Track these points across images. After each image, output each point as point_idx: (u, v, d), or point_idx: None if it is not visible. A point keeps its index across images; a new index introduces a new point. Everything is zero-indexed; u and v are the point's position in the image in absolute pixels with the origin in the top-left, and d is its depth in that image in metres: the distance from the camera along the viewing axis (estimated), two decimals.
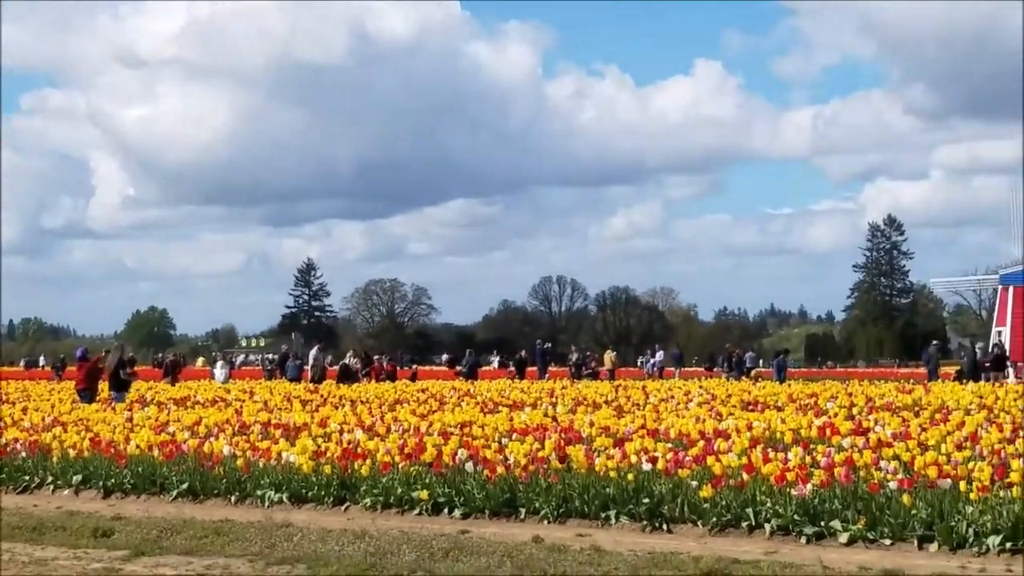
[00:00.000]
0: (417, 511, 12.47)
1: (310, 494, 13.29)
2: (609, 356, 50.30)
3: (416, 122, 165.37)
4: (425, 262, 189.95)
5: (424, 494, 12.48)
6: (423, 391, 28.36)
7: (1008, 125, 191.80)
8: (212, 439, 15.31)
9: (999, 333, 61.38)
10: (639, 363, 60.05)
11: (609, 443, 13.40)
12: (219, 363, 45.57)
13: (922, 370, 40.49)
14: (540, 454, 12.64)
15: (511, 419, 17.06)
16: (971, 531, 9.74)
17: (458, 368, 46.49)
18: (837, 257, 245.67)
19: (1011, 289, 64.17)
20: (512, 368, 46.88)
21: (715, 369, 47.75)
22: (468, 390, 28.44)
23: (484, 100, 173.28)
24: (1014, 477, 10.10)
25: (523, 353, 48.22)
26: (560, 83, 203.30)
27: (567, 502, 11.90)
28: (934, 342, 43.78)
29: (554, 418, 17.88)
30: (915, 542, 9.91)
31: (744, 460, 11.65)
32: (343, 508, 12.88)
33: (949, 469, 10.69)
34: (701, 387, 27.70)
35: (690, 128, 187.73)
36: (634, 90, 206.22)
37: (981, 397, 20.83)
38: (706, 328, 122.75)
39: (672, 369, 50.37)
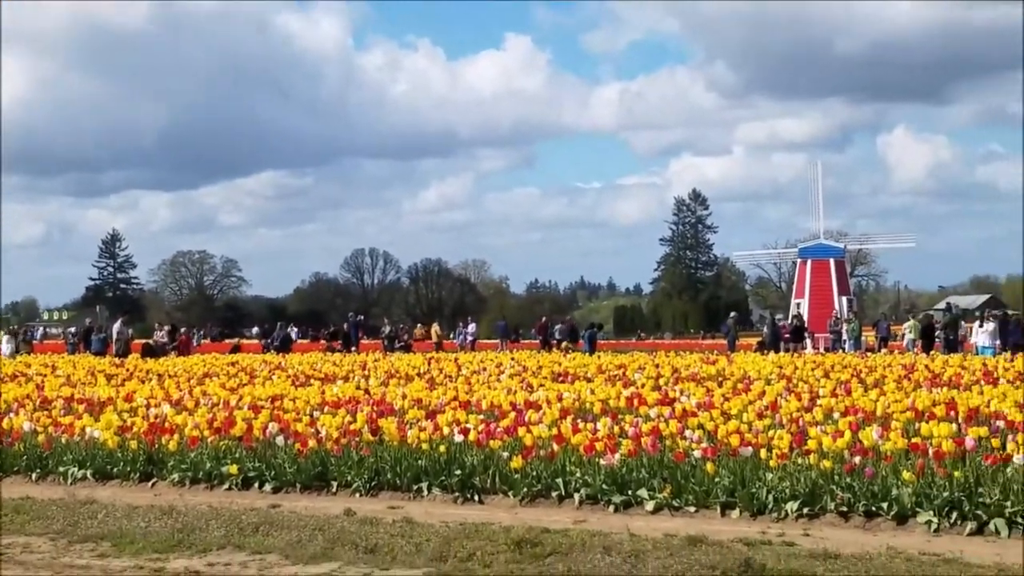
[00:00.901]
0: (227, 486, 12.29)
1: (115, 470, 12.97)
2: (435, 329, 50.21)
3: (224, 91, 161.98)
4: (235, 234, 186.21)
5: (234, 469, 12.30)
6: (233, 364, 27.89)
7: (805, 104, 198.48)
8: (12, 415, 14.80)
9: (798, 305, 63.46)
10: (451, 336, 60.19)
11: (421, 415, 13.42)
12: (5, 337, 43.79)
13: (724, 341, 41.66)
14: (352, 427, 12.58)
15: (323, 392, 16.93)
16: (771, 497, 10.09)
17: (265, 341, 45.79)
18: (644, 231, 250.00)
19: (809, 262, 66.40)
20: (327, 342, 46.39)
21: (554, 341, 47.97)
22: (279, 363, 28.09)
23: (294, 70, 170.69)
24: (811, 444, 10.50)
25: (344, 326, 47.71)
26: (371, 55, 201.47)
27: (379, 475, 11.88)
28: (732, 314, 45.07)
29: (366, 391, 17.82)
30: (718, 509, 10.22)
31: (554, 431, 11.81)
32: (150, 484, 12.62)
33: (750, 437, 11.04)
34: (513, 359, 27.94)
35: (501, 102, 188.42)
36: (445, 63, 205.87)
37: (781, 367, 21.59)
38: (518, 300, 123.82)
39: (497, 342, 50.44)
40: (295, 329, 55.72)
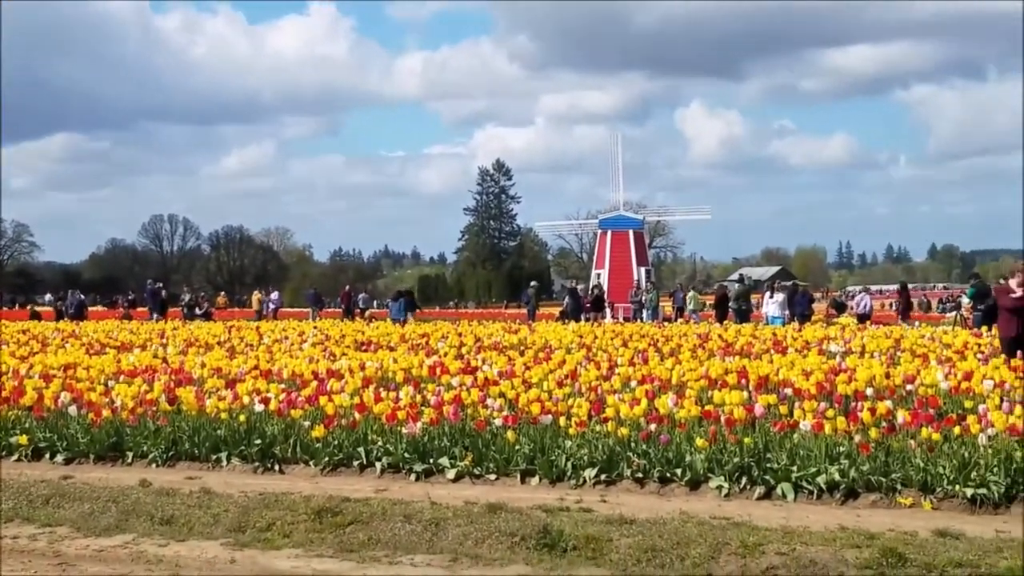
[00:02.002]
0: (16, 457, 11.90)
1: None
2: (257, 296, 49.23)
3: (15, 52, 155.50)
4: (26, 198, 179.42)
5: (23, 439, 11.91)
6: (24, 332, 26.88)
7: (605, 77, 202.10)
8: None
9: (598, 275, 64.55)
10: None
11: (221, 384, 13.20)
12: None
13: (524, 310, 42.11)
14: (149, 396, 12.30)
15: (118, 361, 16.48)
16: (570, 464, 10.28)
17: (58, 307, 44.29)
18: (449, 200, 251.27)
19: (609, 233, 67.56)
20: (125, 309, 45.12)
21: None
22: (74, 331, 27.20)
23: (89, 30, 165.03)
24: (609, 412, 10.71)
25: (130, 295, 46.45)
26: (169, 17, 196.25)
27: (176, 445, 11.66)
28: (532, 283, 45.53)
29: (164, 359, 17.42)
30: (518, 476, 10.36)
31: (356, 400, 11.77)
32: None
33: (551, 406, 11.21)
34: (316, 328, 27.68)
35: (305, 68, 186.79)
36: (247, 28, 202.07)
37: (581, 337, 21.94)
38: (321, 268, 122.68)
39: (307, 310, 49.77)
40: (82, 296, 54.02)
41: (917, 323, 30.42)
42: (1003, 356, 14.38)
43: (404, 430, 10.97)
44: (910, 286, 49.34)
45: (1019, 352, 14.24)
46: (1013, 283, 15.51)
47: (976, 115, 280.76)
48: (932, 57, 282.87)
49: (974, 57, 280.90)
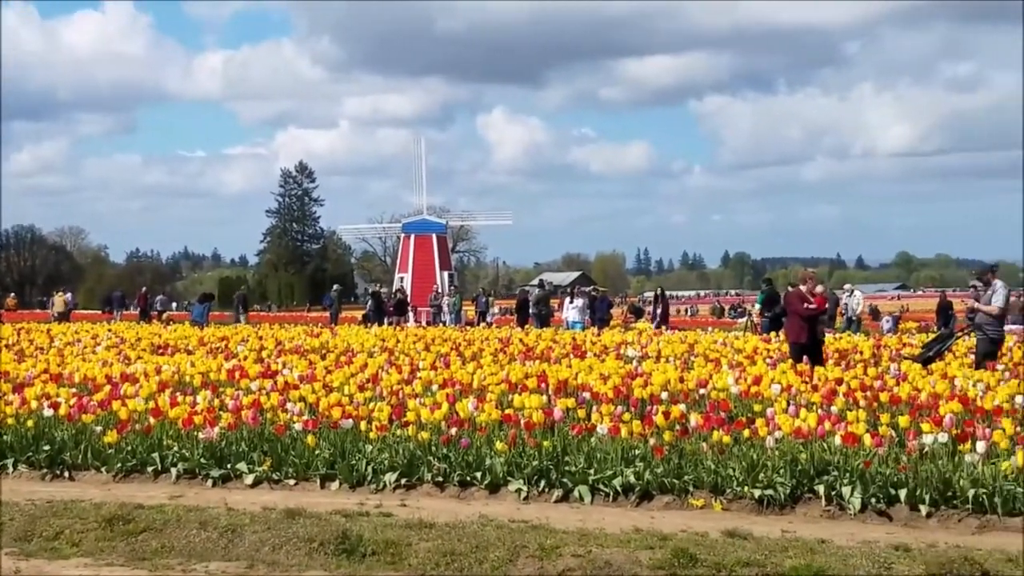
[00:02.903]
0: None
1: None
2: (62, 298, 47.35)
3: None
4: None
5: None
6: None
7: (408, 81, 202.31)
8: None
9: (402, 279, 64.60)
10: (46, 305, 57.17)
11: (8, 389, 12.71)
12: None
13: (327, 313, 41.81)
14: None
15: None
16: (370, 469, 10.24)
17: None
18: (250, 202, 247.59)
19: (412, 237, 67.69)
20: None
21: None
22: None
23: None
24: (410, 416, 10.71)
25: None
26: None
27: None
28: (336, 286, 45.30)
29: None
30: (318, 481, 10.27)
31: (151, 404, 11.49)
32: None
33: (351, 410, 11.14)
34: (110, 330, 26.90)
35: (100, 65, 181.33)
36: (40, 22, 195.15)
37: (383, 340, 21.89)
38: (117, 270, 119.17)
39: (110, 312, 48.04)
40: None
41: (710, 328, 31.25)
42: (790, 361, 14.93)
43: (201, 435, 10.76)
44: (703, 293, 50.79)
45: (805, 357, 14.82)
46: (804, 290, 16.10)
47: (767, 127, 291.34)
48: (726, 69, 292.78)
49: (765, 70, 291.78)
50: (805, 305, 15.82)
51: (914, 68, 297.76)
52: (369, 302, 39.62)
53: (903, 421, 9.91)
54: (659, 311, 33.25)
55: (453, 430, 10.42)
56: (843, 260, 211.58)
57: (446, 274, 65.39)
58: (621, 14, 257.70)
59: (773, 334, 22.85)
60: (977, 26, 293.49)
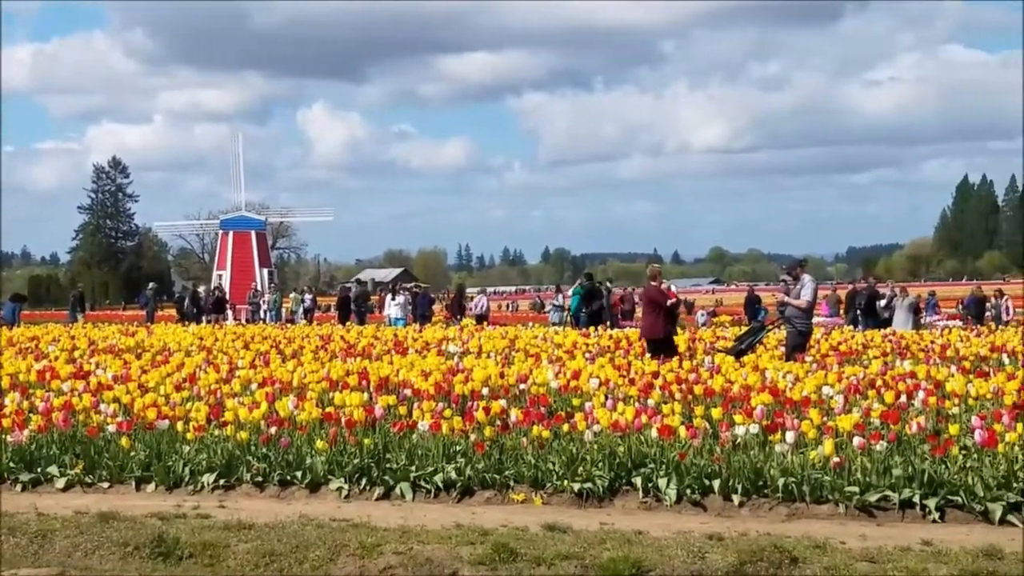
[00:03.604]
0: None
1: None
2: None
3: None
4: None
5: None
6: None
7: (225, 75, 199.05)
8: None
9: (220, 276, 63.52)
10: None
11: None
12: None
13: (143, 312, 40.86)
14: None
15: None
16: (187, 470, 10.05)
17: None
18: (62, 198, 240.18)
19: (231, 234, 66.63)
20: None
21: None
22: None
23: None
24: (228, 416, 10.55)
25: None
26: None
27: None
28: (151, 284, 44.36)
29: None
30: (133, 484, 10.04)
31: None
32: None
33: (167, 411, 10.92)
34: None
35: None
36: None
37: (201, 339, 21.49)
38: None
39: None
40: None
41: (531, 324, 31.58)
42: (647, 356, 15.13)
43: (9, 438, 10.41)
44: (526, 288, 51.15)
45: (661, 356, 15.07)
46: (655, 285, 16.47)
47: (585, 124, 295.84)
48: (544, 67, 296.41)
49: (583, 68, 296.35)
50: (669, 302, 16.18)
51: (725, 68, 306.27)
52: (187, 300, 38.81)
53: (716, 413, 10.18)
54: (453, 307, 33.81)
55: (273, 429, 10.31)
56: (660, 255, 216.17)
57: (266, 271, 64.56)
58: (439, 11, 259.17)
59: (592, 328, 23.23)
60: (784, 28, 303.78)
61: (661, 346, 15.84)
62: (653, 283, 16.77)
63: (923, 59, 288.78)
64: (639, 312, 35.76)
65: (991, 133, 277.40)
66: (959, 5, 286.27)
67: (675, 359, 14.84)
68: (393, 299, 33.22)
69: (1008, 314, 31.99)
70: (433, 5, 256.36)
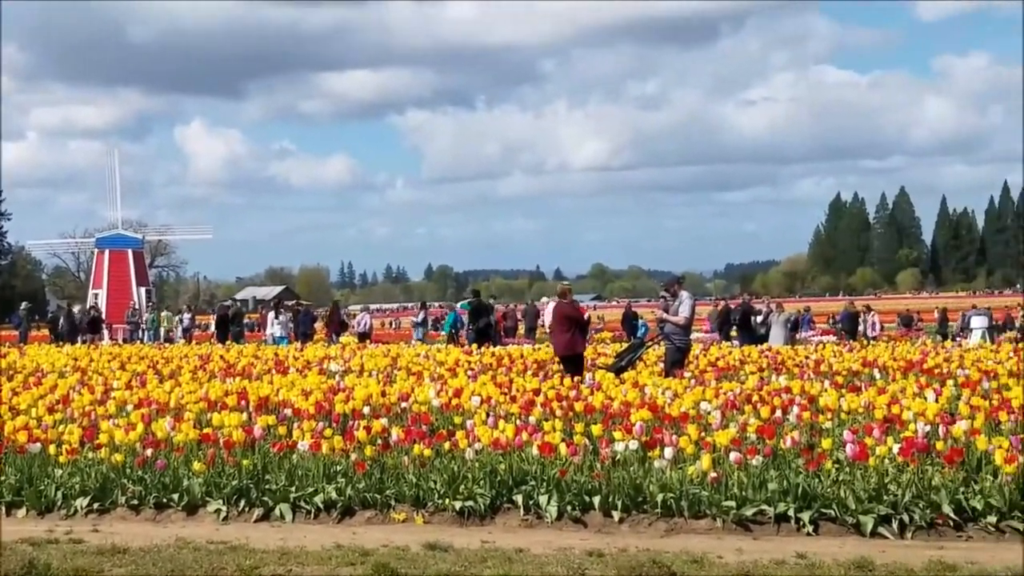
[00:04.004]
0: None
1: None
2: None
3: None
4: None
5: None
6: None
7: (100, 91, 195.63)
8: None
9: (96, 295, 62.19)
10: None
11: None
12: None
13: (16, 332, 39.85)
14: None
15: None
16: (60, 494, 9.83)
17: None
18: None
19: (107, 253, 65.31)
20: None
21: None
22: None
23: None
24: (103, 439, 10.34)
25: None
26: None
27: None
28: (24, 304, 43.32)
29: None
30: (3, 508, 9.80)
31: None
32: None
33: (40, 433, 10.67)
34: None
35: None
36: None
37: (76, 360, 21.02)
38: None
39: None
40: None
41: (413, 341, 31.48)
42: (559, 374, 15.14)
43: None
44: (408, 305, 51.03)
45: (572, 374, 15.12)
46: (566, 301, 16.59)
47: (467, 142, 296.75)
48: (427, 85, 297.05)
49: (465, 86, 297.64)
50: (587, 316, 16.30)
51: (604, 87, 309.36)
52: (61, 320, 37.93)
53: (596, 430, 10.26)
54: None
55: (149, 451, 10.13)
56: (542, 272, 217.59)
57: (143, 290, 63.42)
58: (320, 28, 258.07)
59: (474, 346, 23.25)
60: (662, 47, 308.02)
61: (577, 363, 15.91)
62: (564, 300, 16.86)
63: (796, 79, 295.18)
64: (521, 329, 36.18)
65: (862, 152, 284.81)
66: (831, 27, 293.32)
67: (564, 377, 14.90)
68: (276, 317, 32.87)
69: (874, 330, 32.72)
70: (313, 21, 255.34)
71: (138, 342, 35.76)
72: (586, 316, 16.82)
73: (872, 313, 34.61)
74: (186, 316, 41.54)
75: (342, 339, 31.55)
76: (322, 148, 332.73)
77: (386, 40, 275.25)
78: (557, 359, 16.72)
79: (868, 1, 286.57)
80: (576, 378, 14.48)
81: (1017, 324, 38.91)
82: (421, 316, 37.40)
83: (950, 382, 14.13)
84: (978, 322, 36.70)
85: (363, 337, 32.80)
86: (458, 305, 32.36)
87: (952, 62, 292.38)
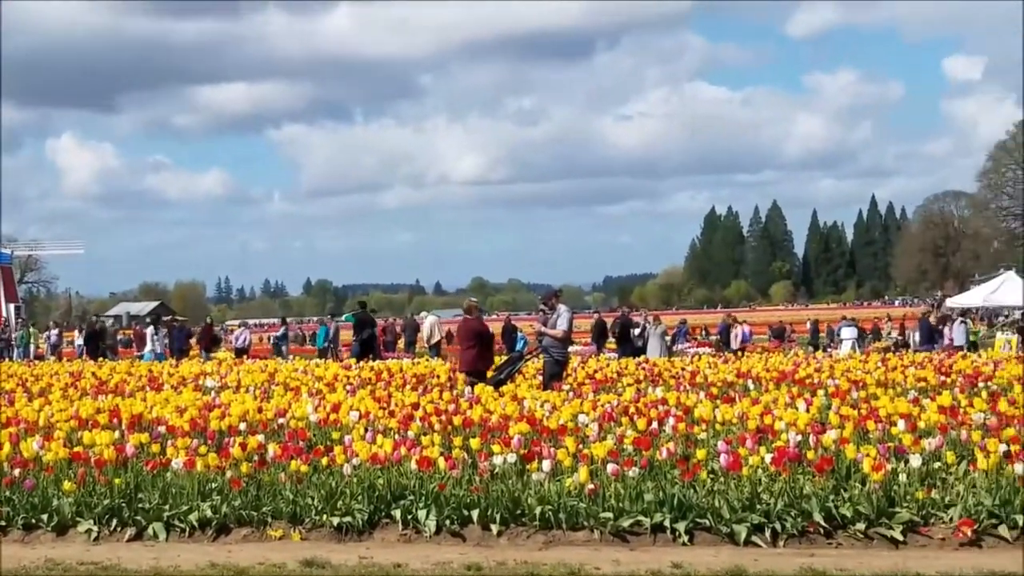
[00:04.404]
0: None
1: None
2: None
3: None
4: None
5: None
6: None
7: None
8: None
9: None
10: None
11: None
12: None
13: None
14: None
15: None
16: None
17: None
18: None
19: None
20: None
21: None
22: None
23: None
24: None
25: None
26: None
27: None
28: None
29: None
30: None
31: None
32: None
33: None
34: None
35: None
36: None
37: None
38: None
39: None
40: None
41: (292, 357, 31.17)
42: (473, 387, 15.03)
43: None
44: (288, 319, 50.47)
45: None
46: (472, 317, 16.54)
47: (345, 155, 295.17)
48: (303, 98, 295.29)
49: (342, 100, 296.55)
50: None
51: (483, 101, 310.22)
52: None
53: (475, 443, 10.27)
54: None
55: (17, 471, 9.87)
56: (422, 286, 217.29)
57: (12, 307, 61.86)
58: (194, 40, 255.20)
59: (353, 361, 23.13)
60: (539, 63, 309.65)
61: (483, 378, 15.87)
62: (470, 316, 16.81)
63: (671, 95, 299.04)
64: (401, 343, 36.07)
65: (736, 166, 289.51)
66: (703, 44, 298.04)
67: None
68: (156, 334, 32.31)
69: (737, 341, 32.77)
70: (186, 33, 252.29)
71: (8, 359, 34.85)
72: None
73: (738, 325, 34.79)
74: (53, 332, 40.59)
75: (217, 355, 31.13)
76: (197, 162, 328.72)
77: (262, 53, 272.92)
78: (463, 374, 16.60)
79: (739, 19, 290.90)
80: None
81: (883, 335, 39.94)
82: (282, 331, 37.07)
83: (820, 392, 14.46)
84: (848, 333, 37.64)
85: (241, 352, 32.40)
86: (342, 318, 32.03)
87: (821, 79, 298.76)
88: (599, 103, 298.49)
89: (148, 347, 32.19)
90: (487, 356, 16.55)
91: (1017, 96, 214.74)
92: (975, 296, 53.16)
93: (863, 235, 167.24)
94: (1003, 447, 9.32)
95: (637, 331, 30.30)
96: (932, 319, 34.40)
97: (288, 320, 40.40)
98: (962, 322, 33.05)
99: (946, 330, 33.36)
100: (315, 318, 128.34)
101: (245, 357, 29.78)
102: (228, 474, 9.68)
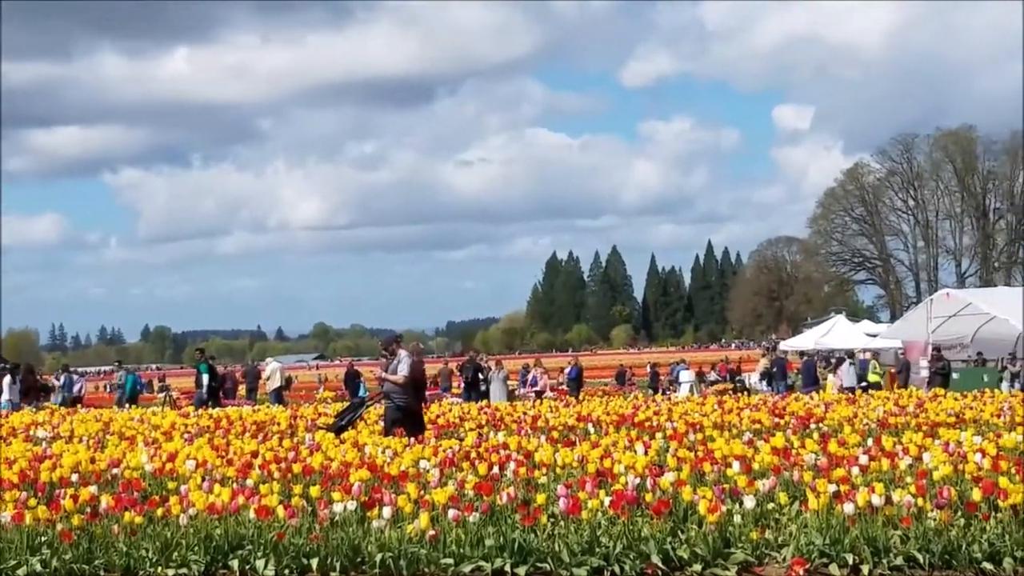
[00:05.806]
0: None
1: None
2: None
3: None
4: None
5: None
6: None
7: None
8: None
9: None
10: None
11: None
12: None
13: None
14: None
15: None
16: None
17: None
18: None
19: None
20: None
21: None
22: None
23: None
24: None
25: None
26: None
27: None
28: None
29: None
30: None
31: None
32: None
33: None
34: None
35: None
36: None
37: None
38: None
39: None
40: None
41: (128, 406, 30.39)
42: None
43: None
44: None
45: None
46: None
47: (183, 200, 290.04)
48: (141, 142, 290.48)
49: (180, 144, 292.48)
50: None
51: (323, 146, 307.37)
52: None
53: (315, 491, 10.17)
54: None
55: None
56: (264, 332, 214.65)
57: None
58: (25, 81, 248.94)
59: (191, 408, 22.69)
60: (380, 108, 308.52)
61: (418, 422, 15.74)
62: (416, 359, 16.73)
63: (511, 141, 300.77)
64: (242, 391, 35.50)
65: (576, 212, 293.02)
66: (543, 91, 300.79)
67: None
68: (14, 383, 31.01)
69: (535, 384, 31.46)
70: (17, 78, 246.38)
71: None
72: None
73: (539, 369, 33.27)
74: None
75: (48, 404, 30.15)
76: (29, 206, 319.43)
77: (97, 96, 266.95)
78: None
79: (577, 67, 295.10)
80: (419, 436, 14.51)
81: (710, 378, 40.73)
82: (63, 380, 34.99)
83: (659, 435, 14.70)
84: (686, 376, 38.37)
85: (75, 402, 31.46)
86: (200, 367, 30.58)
87: (656, 126, 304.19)
88: (440, 148, 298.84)
89: (5, 396, 30.93)
90: (418, 400, 16.70)
91: (844, 144, 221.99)
92: (807, 339, 54.66)
93: (700, 279, 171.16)
94: (832, 487, 9.59)
95: (482, 376, 30.41)
96: (767, 361, 35.14)
97: (70, 368, 39.24)
98: (851, 364, 33.13)
99: (831, 375, 33.76)
100: (155, 366, 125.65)
101: (79, 406, 28.94)
102: (59, 527, 9.40)
